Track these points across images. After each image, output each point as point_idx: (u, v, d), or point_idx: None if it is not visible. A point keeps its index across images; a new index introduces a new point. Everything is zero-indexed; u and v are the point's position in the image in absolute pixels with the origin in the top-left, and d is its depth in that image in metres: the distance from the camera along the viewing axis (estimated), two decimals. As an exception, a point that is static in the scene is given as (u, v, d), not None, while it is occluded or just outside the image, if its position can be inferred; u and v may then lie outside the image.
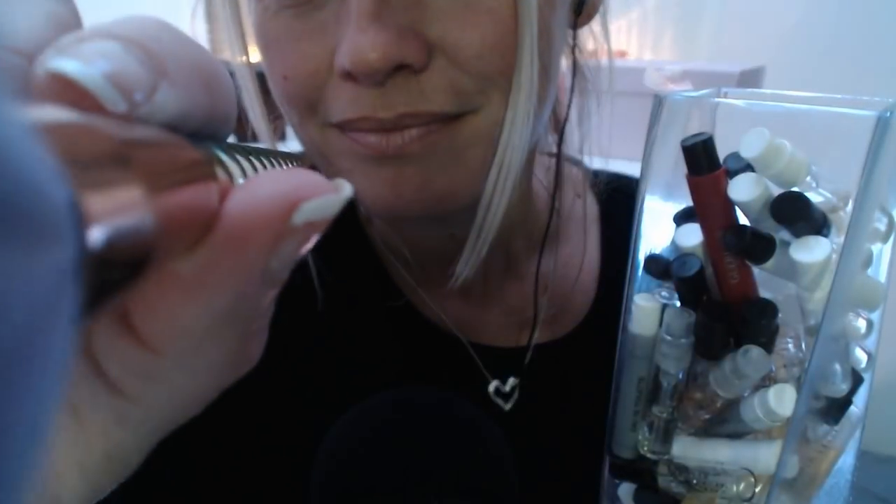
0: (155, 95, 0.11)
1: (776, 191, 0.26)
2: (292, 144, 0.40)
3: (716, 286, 0.29)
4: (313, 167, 0.34)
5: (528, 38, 0.29)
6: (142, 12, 0.12)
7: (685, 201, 0.29)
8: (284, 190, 0.12)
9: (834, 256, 0.25)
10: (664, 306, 0.29)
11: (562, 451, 0.40)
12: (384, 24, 0.27)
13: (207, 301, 0.12)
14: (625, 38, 1.48)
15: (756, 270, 0.28)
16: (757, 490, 0.29)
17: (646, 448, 0.31)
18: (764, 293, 0.28)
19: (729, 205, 0.27)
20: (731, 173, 0.27)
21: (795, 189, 0.26)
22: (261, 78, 0.34)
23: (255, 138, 0.36)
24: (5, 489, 0.06)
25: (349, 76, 0.28)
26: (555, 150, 0.41)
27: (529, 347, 0.41)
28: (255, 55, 0.34)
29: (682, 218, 0.30)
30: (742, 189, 0.26)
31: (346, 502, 0.28)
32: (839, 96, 0.26)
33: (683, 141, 0.27)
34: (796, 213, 0.25)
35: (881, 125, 0.24)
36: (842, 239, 0.26)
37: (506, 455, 0.30)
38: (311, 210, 0.12)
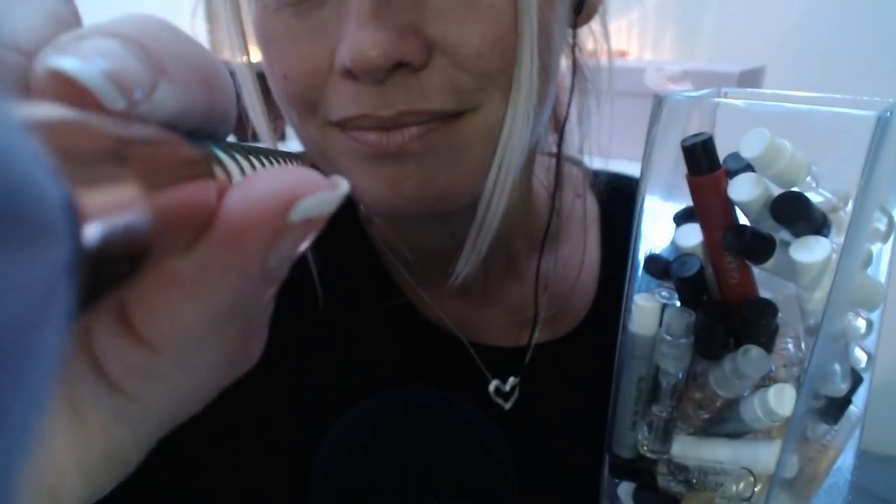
0: (154, 94, 0.11)
1: (776, 191, 0.26)
2: (292, 144, 0.40)
3: (716, 286, 0.29)
4: (314, 167, 0.34)
5: (527, 37, 0.29)
6: (142, 12, 0.12)
7: (685, 201, 0.29)
8: (281, 187, 0.12)
9: (834, 256, 0.25)
10: (664, 306, 0.29)
11: (562, 451, 0.40)
12: (384, 22, 0.27)
13: (206, 299, 0.12)
14: (625, 38, 1.48)
15: (756, 270, 0.28)
16: (756, 489, 0.29)
17: (645, 447, 0.31)
18: (764, 293, 0.28)
19: (729, 205, 0.27)
20: (731, 173, 0.27)
21: (795, 189, 0.26)
22: (261, 78, 0.34)
23: (255, 138, 0.36)
24: None
25: (349, 74, 0.28)
26: (555, 150, 0.41)
27: (530, 347, 0.41)
28: (255, 55, 0.34)
29: (681, 218, 0.30)
30: (742, 189, 0.26)
31: (346, 502, 0.28)
32: (839, 96, 0.26)
33: (683, 141, 0.27)
34: (796, 213, 0.25)
35: (881, 125, 0.24)
36: (842, 239, 0.26)
37: (506, 455, 0.30)
38: (308, 207, 0.12)
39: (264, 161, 0.15)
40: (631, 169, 0.41)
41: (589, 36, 0.39)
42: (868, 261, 0.29)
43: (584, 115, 0.40)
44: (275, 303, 0.15)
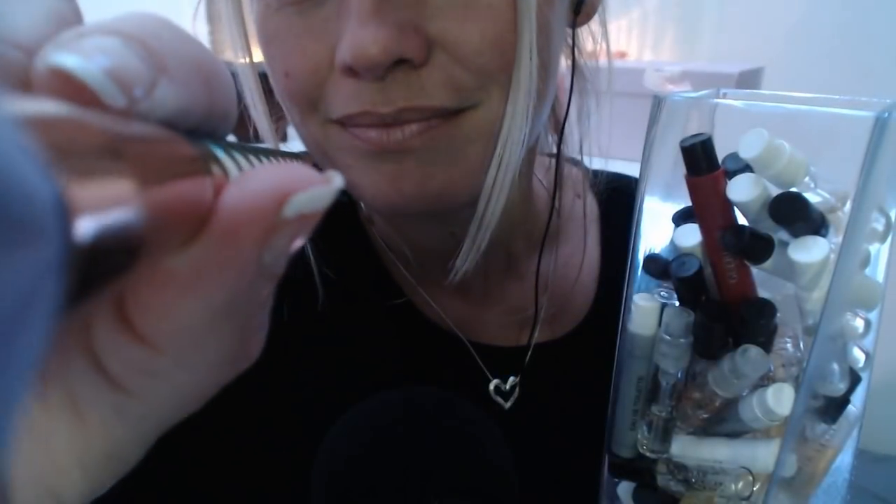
0: (154, 91, 0.11)
1: (775, 191, 0.26)
2: (294, 145, 0.41)
3: (714, 286, 0.29)
4: (315, 166, 0.34)
5: (526, 35, 0.29)
6: (143, 10, 0.13)
7: (684, 201, 0.29)
8: (275, 183, 0.12)
9: (832, 256, 0.26)
10: (663, 306, 0.29)
11: (561, 450, 0.40)
12: (385, 19, 0.27)
13: (203, 296, 0.12)
14: (625, 38, 1.48)
15: (755, 270, 0.28)
16: (755, 489, 0.29)
17: (645, 447, 0.31)
18: (762, 293, 0.28)
19: (728, 205, 0.27)
20: (730, 174, 0.27)
21: (794, 189, 0.26)
22: (264, 79, 0.35)
23: (256, 138, 0.36)
24: None
25: (350, 71, 0.28)
26: (555, 150, 0.41)
27: (530, 346, 0.41)
28: (257, 55, 0.34)
29: (681, 218, 0.30)
30: (741, 189, 0.26)
31: (346, 502, 0.28)
32: (837, 97, 0.27)
33: (682, 141, 0.27)
34: (795, 214, 0.26)
35: (879, 126, 0.24)
36: (840, 239, 0.26)
37: (506, 455, 0.31)
38: (302, 202, 0.12)
39: (263, 160, 0.15)
40: (630, 169, 0.42)
41: (588, 37, 0.39)
42: (866, 261, 0.29)
43: (583, 116, 0.40)
44: (275, 301, 0.15)
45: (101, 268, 0.09)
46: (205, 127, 0.13)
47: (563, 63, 0.37)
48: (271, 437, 0.38)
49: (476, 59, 0.29)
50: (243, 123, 0.35)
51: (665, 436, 0.30)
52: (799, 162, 0.25)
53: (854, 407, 0.30)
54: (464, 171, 0.31)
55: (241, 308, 0.13)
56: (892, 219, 0.29)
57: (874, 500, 0.89)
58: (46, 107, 0.08)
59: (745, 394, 0.28)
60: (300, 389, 0.38)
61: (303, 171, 0.12)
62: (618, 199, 0.46)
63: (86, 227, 0.08)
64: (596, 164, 0.45)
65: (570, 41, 0.38)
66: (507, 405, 0.40)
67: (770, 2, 1.34)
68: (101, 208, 0.08)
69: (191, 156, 0.12)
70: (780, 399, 0.27)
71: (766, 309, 0.27)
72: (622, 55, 1.46)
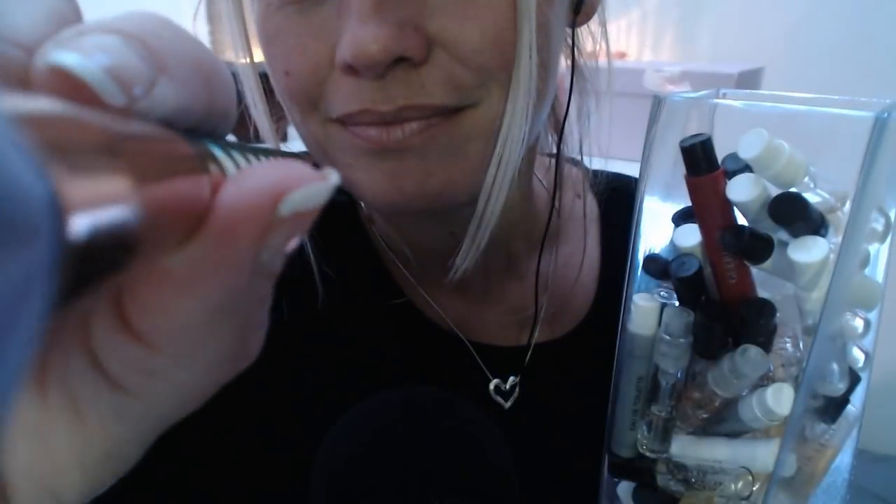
0: (154, 90, 0.11)
1: (774, 191, 0.26)
2: (294, 145, 0.41)
3: (714, 286, 0.29)
4: (315, 166, 0.34)
5: (526, 33, 0.29)
6: (143, 10, 0.13)
7: (684, 201, 0.29)
8: (270, 181, 0.12)
9: (832, 256, 0.26)
10: (663, 306, 0.30)
11: (561, 450, 0.40)
12: (385, 16, 0.27)
13: (200, 295, 0.12)
14: (624, 38, 1.48)
15: (754, 270, 0.28)
16: (755, 488, 0.29)
17: (645, 447, 0.31)
18: (762, 293, 0.28)
19: (727, 205, 0.27)
20: (730, 174, 0.27)
21: (793, 189, 0.26)
22: (264, 80, 0.35)
23: (257, 139, 0.36)
24: None
25: (350, 69, 0.29)
26: (555, 150, 0.41)
27: (530, 346, 0.41)
28: (258, 55, 0.34)
29: (680, 218, 0.30)
30: (740, 189, 0.26)
31: (346, 502, 0.28)
32: (837, 97, 0.27)
33: (682, 142, 0.27)
34: (794, 214, 0.26)
35: (878, 126, 0.24)
36: (839, 239, 0.26)
37: (506, 455, 0.31)
38: (298, 200, 0.12)
39: (262, 160, 0.15)
40: (630, 169, 0.42)
41: (588, 37, 0.39)
42: (865, 261, 0.29)
43: (583, 116, 0.41)
44: (276, 301, 0.15)
45: (97, 265, 0.09)
46: (205, 126, 0.13)
47: (563, 63, 0.37)
48: (271, 436, 0.38)
49: (476, 57, 0.29)
50: (244, 123, 0.35)
51: (665, 436, 0.30)
52: (798, 162, 0.25)
53: (853, 407, 0.30)
54: (464, 170, 0.31)
55: (240, 306, 0.13)
56: (892, 219, 0.29)
57: (874, 499, 0.89)
58: (41, 104, 0.08)
59: (744, 394, 0.28)
60: (300, 389, 0.38)
61: (298, 168, 0.12)
62: (618, 199, 0.46)
63: (80, 224, 0.08)
64: (596, 164, 0.45)
65: (569, 41, 0.38)
66: (507, 405, 0.40)
67: (770, 2, 1.34)
68: (96, 205, 0.08)
69: (188, 154, 0.12)
70: (780, 399, 0.27)
71: (766, 309, 0.27)
72: (622, 55, 1.46)
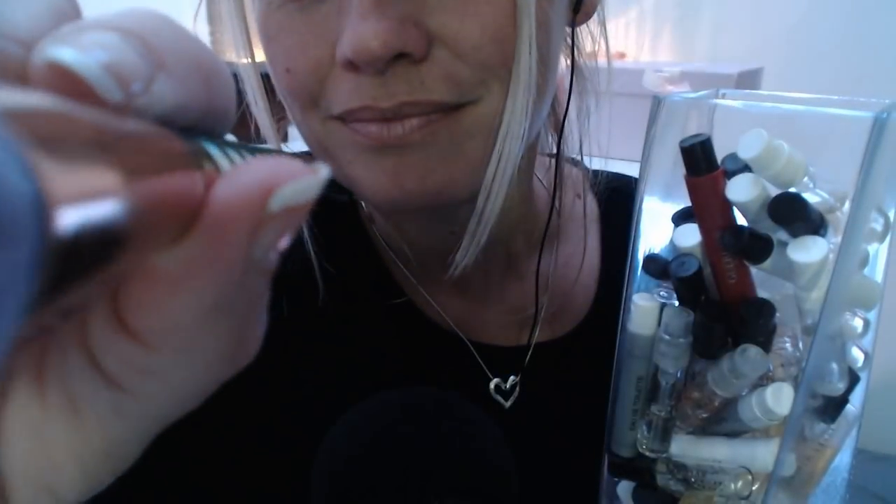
0: (152, 87, 0.11)
1: (774, 191, 0.26)
2: (295, 145, 0.41)
3: (714, 286, 0.29)
4: None
5: (526, 30, 0.29)
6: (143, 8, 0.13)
7: (683, 202, 0.29)
8: (260, 177, 0.12)
9: (831, 256, 0.26)
10: (663, 306, 0.30)
11: (561, 450, 0.40)
12: (385, 13, 0.27)
13: (194, 293, 0.12)
14: (623, 39, 1.48)
15: (754, 270, 0.28)
16: (754, 488, 0.29)
17: (644, 447, 0.31)
18: (762, 293, 0.28)
19: (727, 205, 0.27)
20: (729, 174, 0.27)
21: (793, 190, 0.26)
22: (265, 80, 0.35)
23: (258, 138, 0.36)
24: None
25: (351, 66, 0.29)
26: (554, 150, 0.41)
27: (530, 346, 0.41)
28: (259, 54, 0.34)
29: (680, 218, 0.30)
30: (740, 189, 0.26)
31: (346, 502, 0.28)
32: (836, 97, 0.27)
33: (682, 142, 0.27)
34: (794, 214, 0.26)
35: (878, 126, 0.24)
36: (839, 239, 0.26)
37: (506, 455, 0.31)
38: (288, 195, 0.12)
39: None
40: (630, 169, 0.42)
41: (587, 37, 0.39)
42: (865, 261, 0.29)
43: (583, 116, 0.41)
44: (276, 300, 0.15)
45: (85, 259, 0.09)
46: (203, 124, 0.13)
47: (563, 63, 0.37)
48: (271, 435, 0.38)
49: (476, 53, 0.29)
50: (244, 123, 0.35)
51: (664, 435, 0.30)
52: (798, 162, 0.26)
53: (853, 406, 0.30)
54: (464, 166, 0.31)
55: (235, 304, 0.13)
56: (891, 219, 0.29)
57: (873, 499, 0.89)
58: (28, 99, 0.08)
59: (744, 393, 0.29)
60: (300, 388, 0.38)
61: (288, 164, 0.12)
62: (618, 199, 0.46)
63: (66, 218, 0.08)
64: (596, 164, 0.45)
65: (569, 40, 0.38)
66: (508, 405, 0.40)
67: (769, 2, 1.34)
68: (83, 200, 0.08)
69: (181, 152, 0.12)
70: (780, 398, 0.27)
71: (766, 309, 0.27)
72: (621, 55, 1.46)
